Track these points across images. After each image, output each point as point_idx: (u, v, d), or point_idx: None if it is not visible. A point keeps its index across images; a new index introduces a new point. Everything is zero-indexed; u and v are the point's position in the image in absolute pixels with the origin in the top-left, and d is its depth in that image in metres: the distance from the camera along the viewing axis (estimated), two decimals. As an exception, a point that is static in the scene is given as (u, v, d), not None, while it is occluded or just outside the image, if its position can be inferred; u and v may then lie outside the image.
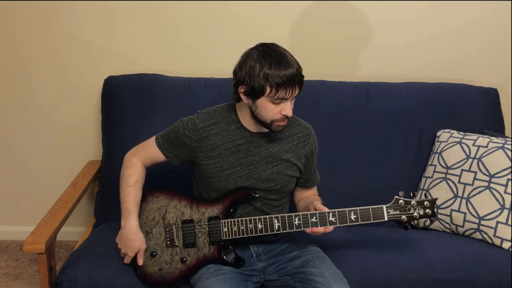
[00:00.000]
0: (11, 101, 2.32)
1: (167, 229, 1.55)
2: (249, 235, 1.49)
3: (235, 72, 1.48)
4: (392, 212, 1.47)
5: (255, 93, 1.42)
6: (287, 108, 1.44)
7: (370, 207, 1.47)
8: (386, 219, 1.47)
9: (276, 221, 1.47)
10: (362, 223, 1.46)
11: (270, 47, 1.44)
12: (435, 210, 1.47)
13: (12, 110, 2.33)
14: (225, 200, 1.54)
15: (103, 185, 2.05)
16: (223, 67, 2.00)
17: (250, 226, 1.48)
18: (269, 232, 1.47)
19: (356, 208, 1.46)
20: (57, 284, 1.54)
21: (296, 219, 1.46)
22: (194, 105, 1.96)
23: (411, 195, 1.49)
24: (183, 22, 2.22)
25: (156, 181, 1.69)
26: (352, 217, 1.46)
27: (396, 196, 1.49)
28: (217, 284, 1.42)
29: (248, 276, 1.52)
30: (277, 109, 1.44)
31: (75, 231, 2.38)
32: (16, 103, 2.32)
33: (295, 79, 1.40)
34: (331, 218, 1.45)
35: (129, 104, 2.04)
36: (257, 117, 1.47)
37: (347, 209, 1.46)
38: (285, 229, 1.47)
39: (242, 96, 1.47)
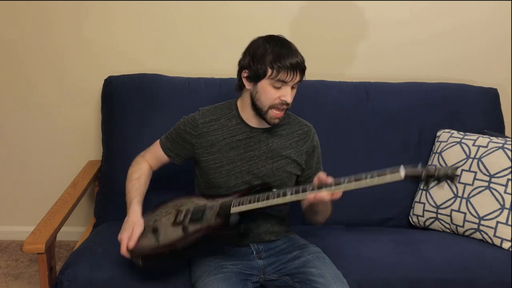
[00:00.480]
0: (11, 101, 2.32)
1: (177, 212, 1.52)
2: (259, 204, 1.41)
3: (240, 61, 1.52)
4: (410, 170, 1.33)
5: (257, 76, 1.45)
6: (287, 94, 1.45)
7: (387, 169, 1.35)
8: (402, 175, 1.31)
9: (289, 192, 1.41)
10: (379, 183, 1.34)
11: (276, 36, 1.49)
12: (456, 173, 1.35)
13: (12, 110, 2.33)
14: (242, 190, 1.53)
15: (103, 185, 2.05)
16: (223, 67, 2.00)
17: (263, 197, 1.43)
18: (281, 202, 1.41)
19: (372, 171, 1.37)
20: (57, 284, 1.54)
21: (310, 188, 1.39)
22: (194, 105, 1.96)
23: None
24: (183, 22, 2.22)
25: (157, 180, 1.69)
26: (368, 179, 1.35)
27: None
28: (217, 282, 1.42)
29: (247, 275, 1.52)
30: (276, 94, 1.45)
31: (75, 231, 2.38)
32: (16, 103, 2.32)
33: (297, 64, 1.43)
34: (345, 184, 1.38)
35: (129, 104, 2.04)
36: (256, 103, 1.48)
37: (363, 173, 1.37)
38: (298, 198, 1.40)
39: (245, 82, 1.50)
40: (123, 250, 1.44)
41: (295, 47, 1.48)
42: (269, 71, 1.43)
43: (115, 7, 2.19)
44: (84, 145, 2.36)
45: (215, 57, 2.26)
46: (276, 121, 1.49)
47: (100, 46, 2.24)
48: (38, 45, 2.24)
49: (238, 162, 1.55)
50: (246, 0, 2.19)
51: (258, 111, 1.50)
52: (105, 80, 2.12)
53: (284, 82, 1.44)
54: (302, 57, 1.47)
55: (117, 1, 2.18)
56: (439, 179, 1.33)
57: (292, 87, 1.48)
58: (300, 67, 1.44)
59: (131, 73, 2.12)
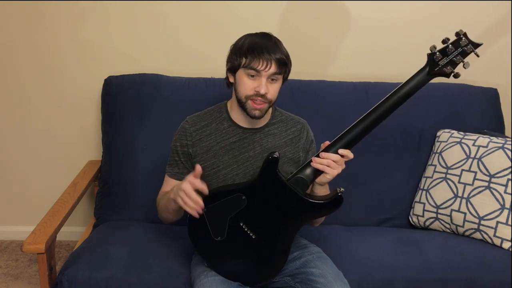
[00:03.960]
0: (11, 101, 2.32)
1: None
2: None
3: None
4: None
5: (234, 66, 1.46)
6: (260, 85, 1.43)
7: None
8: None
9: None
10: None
11: (262, 32, 1.50)
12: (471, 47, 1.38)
13: (12, 110, 2.33)
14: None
15: (103, 185, 2.05)
16: (223, 67, 2.00)
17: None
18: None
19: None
20: (57, 284, 1.54)
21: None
22: (194, 105, 1.96)
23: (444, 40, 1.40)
24: (183, 22, 2.22)
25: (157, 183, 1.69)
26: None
27: (427, 53, 1.40)
28: (215, 283, 1.42)
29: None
30: (252, 85, 1.44)
31: (75, 231, 2.38)
32: (17, 103, 2.32)
33: (270, 52, 1.42)
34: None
35: (129, 104, 2.04)
36: (237, 95, 1.48)
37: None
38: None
39: (229, 75, 1.52)
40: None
41: (278, 42, 1.47)
42: (243, 60, 1.43)
43: (115, 7, 2.19)
44: (84, 145, 2.36)
45: (215, 57, 2.24)
46: (256, 112, 1.46)
47: (100, 47, 2.24)
48: (38, 45, 2.24)
49: (234, 165, 1.53)
50: (247, 0, 2.19)
51: (240, 104, 1.49)
52: (105, 80, 2.12)
53: (257, 71, 1.42)
54: (283, 52, 1.45)
55: (117, 1, 2.18)
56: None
57: (272, 80, 1.45)
58: (276, 59, 1.42)
59: (131, 73, 2.12)
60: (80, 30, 2.22)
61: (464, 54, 1.38)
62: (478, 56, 1.39)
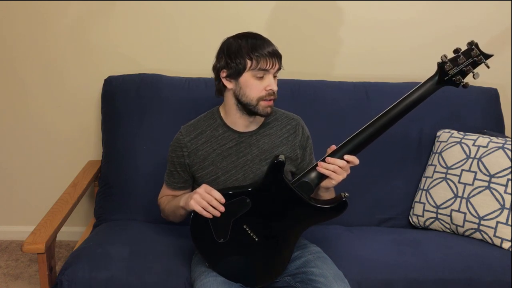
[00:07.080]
0: (11, 101, 2.32)
1: None
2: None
3: (214, 64, 1.51)
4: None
5: (238, 71, 1.44)
6: (271, 83, 1.44)
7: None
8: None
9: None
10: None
11: (245, 32, 1.50)
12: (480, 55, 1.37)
13: (12, 110, 2.33)
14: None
15: (103, 185, 2.05)
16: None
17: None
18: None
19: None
20: (57, 284, 1.54)
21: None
22: (194, 105, 1.97)
23: (455, 50, 1.40)
24: (183, 22, 2.22)
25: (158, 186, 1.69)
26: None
27: (438, 62, 1.41)
28: (216, 284, 1.42)
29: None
30: (261, 85, 1.44)
31: (75, 231, 2.38)
32: (16, 103, 2.32)
33: (274, 52, 1.44)
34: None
35: (129, 104, 2.04)
36: (242, 100, 1.46)
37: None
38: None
39: (226, 82, 1.48)
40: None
41: (267, 38, 1.48)
42: (249, 62, 1.42)
43: (115, 7, 2.19)
44: (84, 145, 2.36)
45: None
46: (269, 109, 1.47)
47: (100, 46, 2.24)
48: (39, 45, 2.24)
49: (232, 170, 1.53)
50: (247, 0, 2.19)
51: (247, 107, 1.47)
52: (105, 80, 2.12)
53: (266, 71, 1.43)
54: (276, 46, 1.47)
55: (117, 1, 2.18)
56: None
57: (274, 76, 1.47)
58: (277, 54, 1.45)
59: (131, 73, 2.12)
60: (80, 30, 2.22)
61: (475, 64, 1.39)
62: (488, 67, 1.39)
